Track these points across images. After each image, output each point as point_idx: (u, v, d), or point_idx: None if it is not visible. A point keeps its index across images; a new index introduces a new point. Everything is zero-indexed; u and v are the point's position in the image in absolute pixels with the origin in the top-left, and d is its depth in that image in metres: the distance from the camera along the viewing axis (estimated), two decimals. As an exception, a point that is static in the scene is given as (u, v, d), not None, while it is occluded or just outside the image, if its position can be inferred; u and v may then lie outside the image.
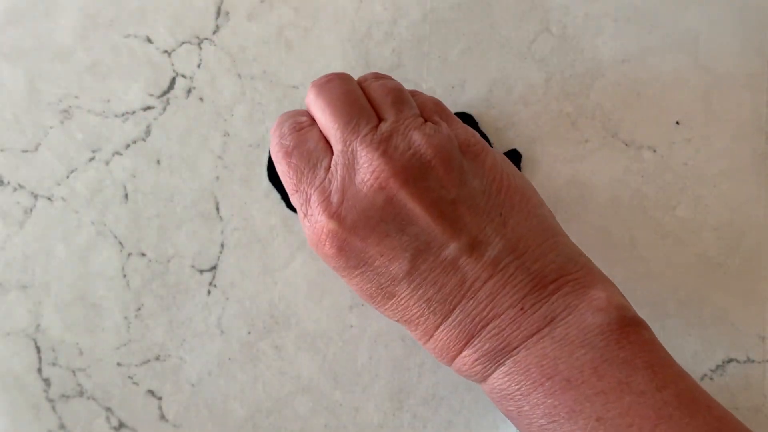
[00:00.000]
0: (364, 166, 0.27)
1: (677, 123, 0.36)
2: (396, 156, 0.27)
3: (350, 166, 0.27)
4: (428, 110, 0.29)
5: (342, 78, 0.29)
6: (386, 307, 0.29)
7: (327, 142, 0.29)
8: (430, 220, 0.27)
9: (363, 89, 0.29)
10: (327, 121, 0.28)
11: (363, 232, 0.27)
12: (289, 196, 0.29)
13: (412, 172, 0.27)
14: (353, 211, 0.27)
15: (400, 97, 0.29)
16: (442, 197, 0.27)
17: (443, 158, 0.27)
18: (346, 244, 0.27)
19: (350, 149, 0.27)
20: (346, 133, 0.27)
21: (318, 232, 0.28)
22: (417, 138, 0.27)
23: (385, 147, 0.27)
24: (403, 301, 0.28)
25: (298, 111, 0.31)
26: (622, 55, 0.36)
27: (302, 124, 0.29)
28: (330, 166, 0.28)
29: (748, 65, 0.36)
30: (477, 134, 0.30)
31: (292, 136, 0.29)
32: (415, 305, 0.28)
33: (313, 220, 0.28)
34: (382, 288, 0.28)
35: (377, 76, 0.30)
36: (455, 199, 0.27)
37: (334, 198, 0.27)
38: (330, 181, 0.28)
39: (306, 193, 0.28)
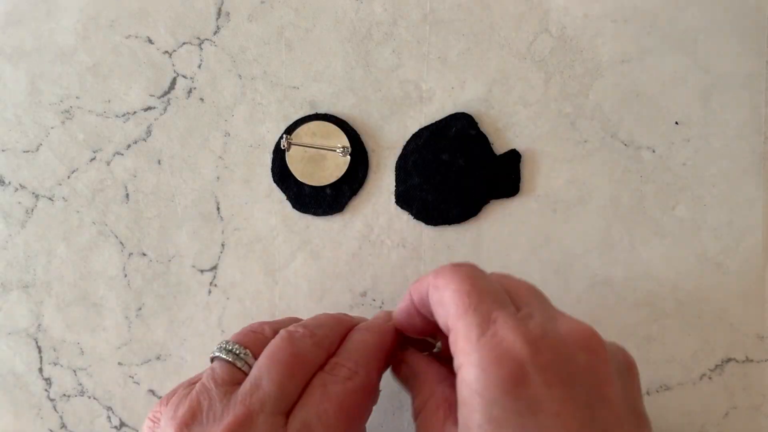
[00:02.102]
0: (572, 321, 0.24)
1: (676, 123, 0.36)
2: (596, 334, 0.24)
3: (553, 318, 0.24)
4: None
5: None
6: None
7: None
8: (626, 414, 0.22)
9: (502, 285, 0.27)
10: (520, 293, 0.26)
11: (553, 378, 0.21)
12: (455, 314, 0.24)
13: (619, 356, 0.24)
14: (552, 351, 0.22)
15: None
16: (636, 399, 0.24)
17: (633, 371, 0.25)
18: (529, 379, 0.21)
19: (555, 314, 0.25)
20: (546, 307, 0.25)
21: (501, 349, 0.22)
22: (618, 348, 0.25)
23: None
24: None
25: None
26: (621, 56, 0.36)
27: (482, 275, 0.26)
28: (525, 307, 0.24)
29: (748, 65, 0.36)
30: None
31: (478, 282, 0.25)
32: None
33: (498, 337, 0.22)
34: None
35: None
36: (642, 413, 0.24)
37: (534, 328, 0.23)
38: (530, 316, 0.23)
39: (489, 312, 0.23)
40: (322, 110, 0.36)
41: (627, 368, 0.24)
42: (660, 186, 0.36)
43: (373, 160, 0.36)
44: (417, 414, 0.26)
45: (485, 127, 0.36)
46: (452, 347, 0.24)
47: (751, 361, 0.36)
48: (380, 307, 0.36)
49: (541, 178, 0.36)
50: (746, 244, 0.36)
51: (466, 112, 0.36)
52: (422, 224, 0.36)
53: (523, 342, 0.22)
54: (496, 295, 0.25)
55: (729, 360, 0.36)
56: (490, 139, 0.36)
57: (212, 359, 0.28)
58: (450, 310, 0.24)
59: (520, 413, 0.21)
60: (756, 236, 0.36)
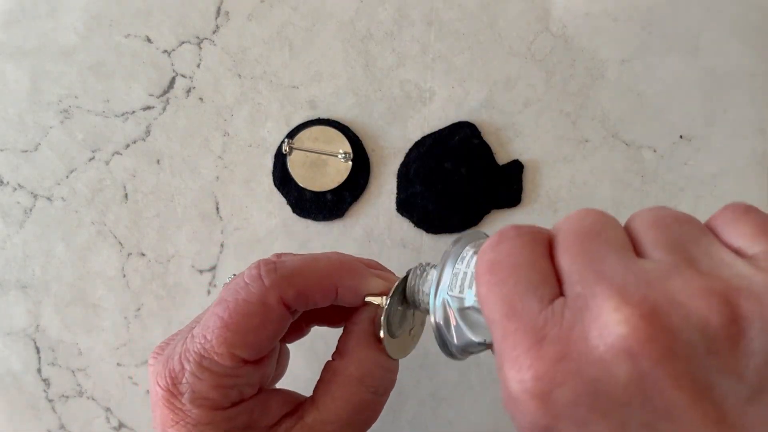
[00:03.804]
0: (606, 315, 0.17)
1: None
2: (660, 312, 0.17)
3: (584, 312, 0.18)
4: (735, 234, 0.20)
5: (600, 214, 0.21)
6: None
7: (557, 274, 0.20)
8: (700, 424, 0.16)
9: (627, 225, 0.21)
10: (569, 250, 0.20)
11: (583, 415, 0.17)
12: (488, 321, 0.20)
13: (683, 343, 0.17)
14: (575, 378, 0.17)
15: (678, 230, 0.19)
16: (727, 393, 0.17)
17: (741, 327, 0.17)
18: (549, 427, 0.18)
19: (589, 292, 0.18)
20: (590, 270, 0.19)
21: (510, 393, 0.19)
22: (698, 285, 0.17)
23: (644, 295, 0.17)
24: None
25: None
26: (622, 55, 0.36)
27: (529, 234, 0.21)
28: (552, 301, 0.19)
29: (749, 65, 0.36)
30: None
31: (510, 245, 0.20)
32: None
33: (507, 373, 0.19)
34: None
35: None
36: (751, 397, 0.17)
37: (549, 349, 0.18)
38: (546, 321, 0.18)
39: (504, 326, 0.19)
40: (322, 110, 0.36)
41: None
42: (661, 186, 0.36)
43: (374, 165, 0.36)
44: None
45: (485, 126, 0.36)
46: None
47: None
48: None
49: (542, 178, 0.36)
50: (748, 245, 0.36)
51: (466, 113, 0.36)
52: (423, 232, 0.36)
53: (531, 376, 0.19)
54: (519, 299, 0.21)
55: (731, 361, 0.36)
56: (492, 142, 0.36)
57: None
58: None
59: None
60: (757, 236, 0.36)
